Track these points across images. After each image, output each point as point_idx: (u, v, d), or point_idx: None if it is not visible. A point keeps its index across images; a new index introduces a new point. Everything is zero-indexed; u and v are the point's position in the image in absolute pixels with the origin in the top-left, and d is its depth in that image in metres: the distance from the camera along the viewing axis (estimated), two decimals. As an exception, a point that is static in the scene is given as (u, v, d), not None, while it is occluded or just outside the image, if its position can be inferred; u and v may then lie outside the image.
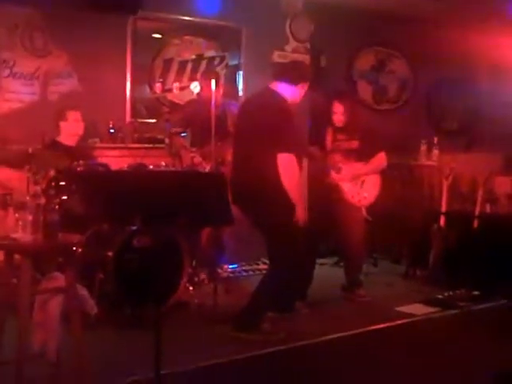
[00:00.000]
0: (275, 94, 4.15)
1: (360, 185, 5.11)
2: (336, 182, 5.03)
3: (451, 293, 5.16)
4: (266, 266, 5.08)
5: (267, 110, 4.08)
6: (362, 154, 5.07)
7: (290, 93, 4.18)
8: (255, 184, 4.03)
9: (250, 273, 5.72)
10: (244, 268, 5.77)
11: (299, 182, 4.07)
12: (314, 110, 5.84)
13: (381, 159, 5.14)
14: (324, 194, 5.01)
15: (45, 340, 3.38)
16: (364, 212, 5.13)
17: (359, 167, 5.09)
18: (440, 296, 5.12)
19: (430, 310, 4.91)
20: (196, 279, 5.09)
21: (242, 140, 4.22)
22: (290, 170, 3.96)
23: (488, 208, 5.94)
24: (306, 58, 6.84)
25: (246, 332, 4.07)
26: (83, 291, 3.86)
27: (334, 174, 5.03)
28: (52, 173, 4.37)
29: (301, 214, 4.07)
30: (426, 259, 5.69)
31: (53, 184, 4.28)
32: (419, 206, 6.35)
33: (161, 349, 2.86)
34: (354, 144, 5.08)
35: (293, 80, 4.19)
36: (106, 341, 3.94)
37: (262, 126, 4.01)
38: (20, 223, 3.14)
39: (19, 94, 5.51)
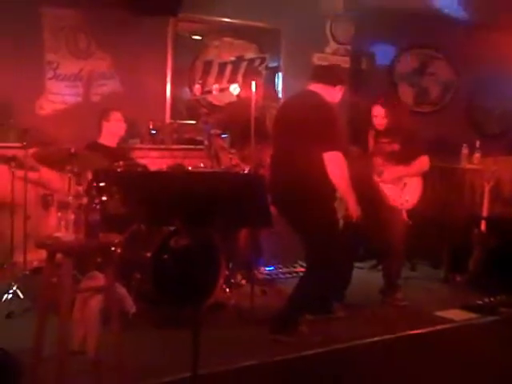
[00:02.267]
0: (317, 95, 4.19)
1: (402, 188, 5.06)
2: (378, 185, 4.99)
3: (492, 298, 5.07)
4: (302, 269, 5.07)
5: (311, 110, 4.11)
6: (403, 157, 5.02)
7: (329, 94, 4.23)
8: (296, 185, 4.04)
9: (287, 275, 5.71)
10: (281, 270, 5.76)
11: (348, 178, 4.08)
12: (355, 114, 5.81)
13: (423, 162, 5.10)
14: (365, 197, 4.96)
15: (85, 338, 3.43)
16: (405, 215, 5.07)
17: (401, 169, 5.05)
18: (480, 302, 5.03)
19: (470, 315, 4.84)
20: (233, 281, 5.10)
21: (283, 141, 4.24)
22: (339, 167, 4.00)
23: (531, 212, 5.83)
24: (346, 61, 6.81)
25: (284, 334, 4.06)
26: (122, 290, 3.93)
27: (375, 177, 5.00)
28: (91, 174, 4.45)
29: (353, 208, 4.13)
30: (466, 264, 5.60)
31: (94, 184, 4.35)
32: (460, 210, 6.25)
33: (198, 349, 2.87)
34: (395, 147, 5.03)
35: (331, 82, 4.26)
36: (144, 339, 3.98)
37: (306, 127, 4.03)
38: (62, 223, 3.19)
39: (63, 95, 5.61)
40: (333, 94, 4.25)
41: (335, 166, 3.99)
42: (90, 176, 4.51)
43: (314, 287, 4.17)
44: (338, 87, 4.28)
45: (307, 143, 4.00)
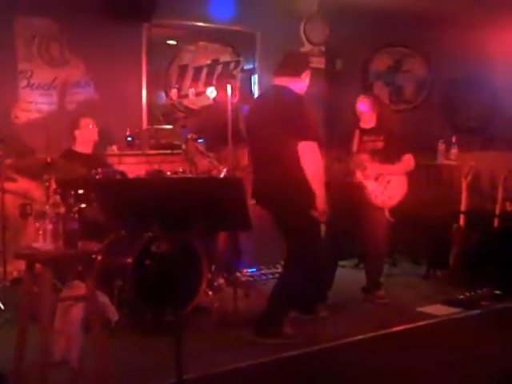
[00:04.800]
0: (285, 89, 4.13)
1: (385, 185, 5.07)
2: (360, 181, 5.00)
3: (473, 293, 5.12)
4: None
5: (282, 103, 4.06)
6: (388, 156, 5.05)
7: (297, 84, 4.16)
8: (275, 181, 4.03)
9: (269, 276, 5.70)
10: (263, 272, 5.76)
11: (321, 170, 4.00)
12: (331, 114, 5.81)
13: (408, 161, 5.13)
14: (347, 195, 4.97)
15: (67, 347, 3.41)
16: (387, 213, 5.08)
17: (386, 167, 5.07)
18: (461, 296, 5.08)
19: (452, 310, 4.87)
20: (215, 284, 5.10)
21: (258, 139, 4.20)
22: (312, 157, 3.93)
23: (508, 206, 5.86)
24: (321, 61, 6.84)
25: (268, 336, 4.05)
26: (104, 298, 3.90)
27: (358, 173, 5.01)
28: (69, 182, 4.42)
29: (321, 204, 3.98)
30: (446, 259, 5.64)
31: (71, 193, 4.32)
32: (439, 205, 6.29)
33: (182, 354, 2.86)
34: (379, 145, 5.07)
35: (295, 72, 4.18)
36: (127, 347, 3.96)
37: (280, 121, 3.98)
38: (40, 232, 3.17)
39: (37, 104, 5.57)
40: (300, 84, 4.17)
41: (309, 155, 3.91)
42: (67, 184, 4.48)
43: (292, 285, 4.15)
44: (304, 74, 4.19)
45: (281, 138, 3.95)
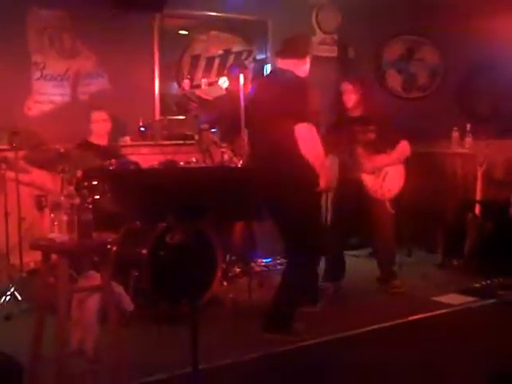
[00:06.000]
0: (286, 71, 4.07)
1: (383, 177, 5.00)
2: (359, 176, 4.96)
3: (488, 281, 5.09)
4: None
5: (283, 86, 4.00)
6: (382, 145, 4.97)
7: (298, 67, 4.09)
8: (275, 170, 3.85)
9: (284, 266, 5.70)
10: (278, 262, 5.74)
11: (321, 151, 3.90)
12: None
13: (403, 148, 5.03)
14: (348, 190, 4.95)
15: (83, 337, 3.43)
16: (388, 205, 5.01)
17: (380, 159, 4.99)
18: (477, 285, 5.06)
19: (468, 299, 4.86)
20: (230, 274, 5.10)
21: (258, 123, 4.11)
22: (309, 139, 3.83)
23: (524, 194, 5.82)
24: (333, 50, 6.80)
25: (278, 333, 3.96)
26: (119, 289, 3.91)
27: (356, 170, 4.96)
28: (83, 173, 4.44)
29: (325, 183, 3.91)
30: (461, 248, 5.61)
31: (85, 184, 4.34)
32: (453, 194, 6.26)
33: (197, 344, 2.87)
34: (371, 136, 4.93)
35: (298, 55, 4.11)
36: (142, 337, 3.98)
37: (278, 103, 3.89)
38: (56, 223, 3.18)
39: (50, 95, 5.58)
40: (301, 67, 4.10)
41: (305, 136, 3.82)
42: (81, 175, 4.50)
43: (298, 276, 4.06)
44: (306, 58, 4.13)
45: (280, 120, 3.84)
